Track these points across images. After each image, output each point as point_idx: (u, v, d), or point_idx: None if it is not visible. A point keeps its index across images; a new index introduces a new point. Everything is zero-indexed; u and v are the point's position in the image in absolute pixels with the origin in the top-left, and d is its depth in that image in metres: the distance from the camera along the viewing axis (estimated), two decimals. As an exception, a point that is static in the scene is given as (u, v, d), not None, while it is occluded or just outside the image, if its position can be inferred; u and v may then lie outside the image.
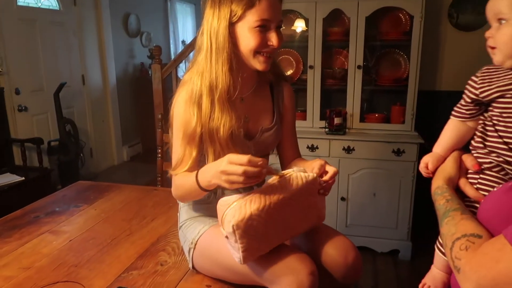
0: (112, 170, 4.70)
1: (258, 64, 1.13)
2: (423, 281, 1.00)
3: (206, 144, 1.15)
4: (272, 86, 1.30)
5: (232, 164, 0.94)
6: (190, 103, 1.13)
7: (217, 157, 1.11)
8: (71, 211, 1.71)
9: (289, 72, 2.90)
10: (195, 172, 1.10)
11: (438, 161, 0.95)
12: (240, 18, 1.08)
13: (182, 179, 1.15)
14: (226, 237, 0.99)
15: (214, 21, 1.08)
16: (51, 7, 3.84)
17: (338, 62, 2.88)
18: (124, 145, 4.99)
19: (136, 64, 5.19)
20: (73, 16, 4.08)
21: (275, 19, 1.09)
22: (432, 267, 0.99)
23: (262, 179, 0.98)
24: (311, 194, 1.07)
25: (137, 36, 5.14)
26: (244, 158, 0.92)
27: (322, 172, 1.10)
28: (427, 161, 0.96)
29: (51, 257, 1.32)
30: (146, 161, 4.81)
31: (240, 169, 0.92)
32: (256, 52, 1.11)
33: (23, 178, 2.95)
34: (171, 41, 6.05)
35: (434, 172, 0.94)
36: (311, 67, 2.68)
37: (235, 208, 0.95)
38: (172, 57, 5.81)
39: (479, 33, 2.72)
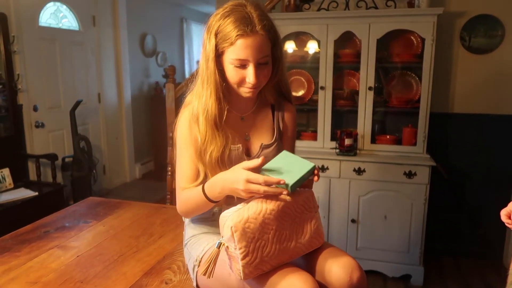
0: (124, 187, 4.74)
1: (243, 93, 1.18)
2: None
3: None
4: (273, 105, 1.33)
5: (251, 184, 1.01)
6: (193, 122, 1.20)
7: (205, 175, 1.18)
8: (80, 226, 1.73)
9: (300, 93, 2.93)
10: (200, 186, 1.14)
11: None
12: (222, 53, 1.13)
13: (188, 193, 1.20)
14: (227, 248, 1.01)
15: (207, 49, 1.13)
16: (71, 28, 3.98)
17: (350, 83, 2.89)
18: (136, 163, 5.04)
19: (151, 83, 5.29)
20: (92, 36, 4.21)
21: (254, 58, 1.10)
22: None
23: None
24: (306, 209, 1.09)
25: (153, 55, 5.26)
26: (260, 178, 1.00)
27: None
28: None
29: (58, 272, 1.34)
30: (158, 179, 4.84)
31: (261, 189, 1.01)
32: (238, 85, 1.16)
33: (37, 193, 3.00)
34: (186, 61, 6.17)
35: None
36: (322, 88, 2.70)
37: (234, 214, 1.01)
38: (187, 76, 5.90)
39: (491, 56, 2.71)
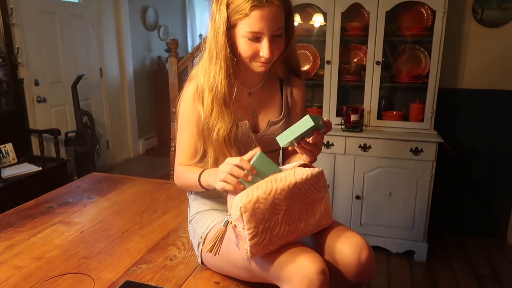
0: (127, 163, 4.75)
1: (255, 67, 1.14)
2: None
3: (205, 141, 1.18)
4: (282, 80, 1.29)
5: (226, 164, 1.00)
6: (196, 98, 1.16)
7: (214, 158, 1.16)
8: (84, 202, 1.72)
9: (305, 67, 2.86)
10: (200, 170, 1.15)
11: None
12: (234, 25, 1.07)
13: (185, 170, 1.21)
14: (234, 227, 0.99)
15: (217, 22, 1.08)
16: (71, 0, 3.88)
17: (356, 57, 2.82)
18: (140, 138, 5.03)
19: (153, 58, 5.21)
20: (92, 9, 4.11)
21: (269, 30, 1.06)
22: None
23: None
24: (316, 188, 1.06)
25: (154, 29, 5.15)
26: (237, 158, 0.99)
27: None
28: None
29: (62, 248, 1.33)
30: (162, 154, 4.84)
31: (227, 167, 0.98)
32: (251, 59, 1.11)
33: (40, 168, 2.99)
34: (189, 35, 6.06)
35: None
36: (328, 62, 2.63)
37: (243, 194, 0.98)
38: (189, 51, 5.81)
39: (504, 30, 2.62)
